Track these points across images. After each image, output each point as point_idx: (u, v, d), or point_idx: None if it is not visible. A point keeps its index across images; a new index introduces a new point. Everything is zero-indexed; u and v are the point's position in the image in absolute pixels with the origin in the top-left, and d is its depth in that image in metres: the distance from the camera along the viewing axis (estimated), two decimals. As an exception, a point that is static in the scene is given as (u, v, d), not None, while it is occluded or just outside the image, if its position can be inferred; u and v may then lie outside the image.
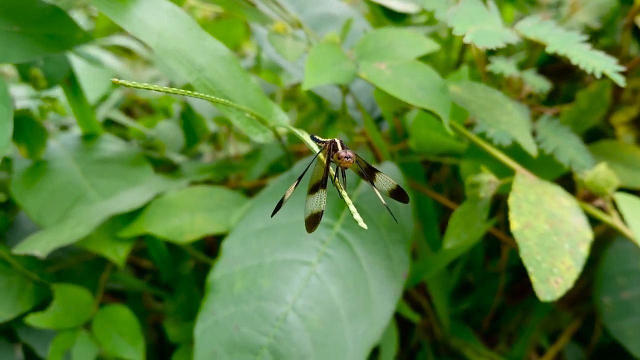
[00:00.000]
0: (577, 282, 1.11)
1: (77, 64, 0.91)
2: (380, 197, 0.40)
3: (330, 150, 0.40)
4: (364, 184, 0.68)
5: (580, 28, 0.68)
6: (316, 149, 0.42)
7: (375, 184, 0.42)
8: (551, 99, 0.86)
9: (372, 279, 0.60)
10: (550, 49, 0.46)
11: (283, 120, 0.57)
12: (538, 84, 0.66)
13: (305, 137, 0.43)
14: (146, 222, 0.69)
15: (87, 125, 0.81)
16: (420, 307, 1.04)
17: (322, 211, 0.39)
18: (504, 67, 0.66)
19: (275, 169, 0.89)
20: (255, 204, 0.63)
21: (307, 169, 0.41)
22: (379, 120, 0.81)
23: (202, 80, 0.51)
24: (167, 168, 0.88)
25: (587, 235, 0.50)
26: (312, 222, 0.39)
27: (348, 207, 0.37)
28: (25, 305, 0.68)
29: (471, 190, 0.60)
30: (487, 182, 0.59)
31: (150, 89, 0.31)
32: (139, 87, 0.30)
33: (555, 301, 1.07)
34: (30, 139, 0.74)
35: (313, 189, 0.40)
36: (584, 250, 0.49)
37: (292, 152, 0.88)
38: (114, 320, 0.70)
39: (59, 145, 0.79)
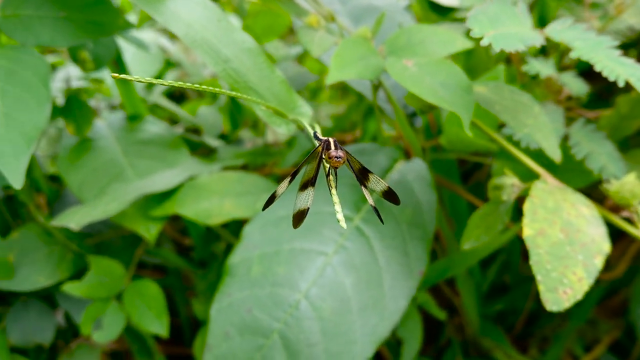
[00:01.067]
0: (619, 293, 1.07)
1: (129, 48, 0.95)
2: (369, 198, 0.41)
3: (324, 149, 0.40)
4: (390, 178, 0.68)
5: (627, 30, 0.66)
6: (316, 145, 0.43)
7: (368, 184, 0.42)
8: (598, 102, 0.83)
9: (386, 274, 0.61)
10: (574, 54, 0.45)
11: (307, 112, 0.58)
12: (575, 86, 0.64)
13: (318, 133, 0.44)
14: (177, 203, 0.72)
15: (133, 106, 0.85)
16: (452, 304, 1.03)
17: (308, 208, 0.40)
18: (541, 67, 0.64)
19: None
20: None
21: (300, 166, 0.41)
22: (413, 115, 0.81)
23: (228, 70, 0.53)
24: (205, 152, 0.91)
25: (604, 247, 0.49)
26: (298, 218, 0.40)
27: (335, 205, 0.38)
28: (63, 273, 0.72)
29: (494, 192, 0.59)
30: (510, 185, 0.58)
31: (154, 83, 0.33)
32: (142, 82, 0.32)
33: (595, 310, 1.04)
34: (78, 118, 0.78)
35: (303, 186, 0.41)
36: (598, 262, 0.48)
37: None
38: (143, 294, 0.73)
39: (105, 125, 0.83)
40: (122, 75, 0.30)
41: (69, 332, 0.85)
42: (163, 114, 1.07)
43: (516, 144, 0.61)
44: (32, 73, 0.55)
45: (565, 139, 0.62)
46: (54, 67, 0.94)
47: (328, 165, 0.41)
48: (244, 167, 0.89)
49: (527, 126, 0.53)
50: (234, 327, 0.57)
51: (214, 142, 0.87)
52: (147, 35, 1.07)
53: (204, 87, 0.37)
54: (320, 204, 0.63)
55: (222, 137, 0.99)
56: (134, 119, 0.85)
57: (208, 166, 0.79)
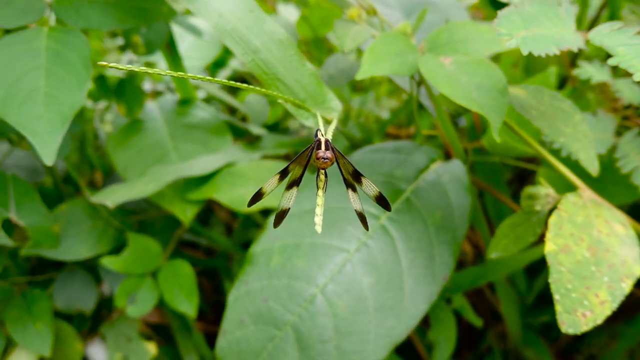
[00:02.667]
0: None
1: (188, 34, 0.97)
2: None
3: (313, 148, 0.39)
4: (424, 179, 0.66)
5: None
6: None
7: (362, 188, 0.41)
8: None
9: (408, 277, 0.59)
10: (612, 61, 0.42)
11: (336, 107, 0.57)
12: (629, 94, 0.59)
13: (321, 132, 0.44)
14: (214, 189, 0.73)
15: (184, 91, 0.88)
16: (495, 311, 1.00)
17: (289, 209, 0.39)
18: (594, 72, 0.60)
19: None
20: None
21: (289, 164, 0.41)
22: (458, 114, 0.78)
23: (257, 61, 0.53)
24: (251, 139, 0.92)
25: (635, 270, 0.45)
26: (279, 217, 0.39)
27: (317, 208, 0.37)
28: (103, 247, 0.76)
29: (527, 202, 0.56)
30: (544, 195, 0.55)
31: (139, 72, 0.34)
32: (136, 71, 0.32)
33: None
34: (129, 100, 0.81)
35: (289, 186, 0.40)
36: (626, 286, 0.44)
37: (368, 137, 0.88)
38: (177, 274, 0.76)
39: (157, 108, 0.86)
40: (112, 65, 0.30)
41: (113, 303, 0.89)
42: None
43: (558, 152, 0.58)
44: (76, 55, 0.58)
45: (613, 150, 0.58)
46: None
47: (305, 166, 0.40)
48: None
49: (564, 135, 0.50)
50: (249, 316, 0.58)
51: (258, 130, 0.88)
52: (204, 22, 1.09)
53: (224, 80, 0.37)
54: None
55: (272, 126, 1.00)
56: (184, 103, 0.87)
57: (248, 154, 0.80)
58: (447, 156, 0.73)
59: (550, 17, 0.46)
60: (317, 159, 0.38)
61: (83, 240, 0.75)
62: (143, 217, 0.84)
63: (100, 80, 0.80)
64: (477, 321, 0.86)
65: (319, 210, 0.38)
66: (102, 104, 0.87)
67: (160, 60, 0.89)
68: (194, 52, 0.99)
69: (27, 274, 0.84)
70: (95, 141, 0.94)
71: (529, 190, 0.55)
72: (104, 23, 0.62)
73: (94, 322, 0.92)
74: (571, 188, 0.55)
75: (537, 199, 0.55)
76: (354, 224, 0.61)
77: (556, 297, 0.44)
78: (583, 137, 0.50)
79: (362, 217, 0.40)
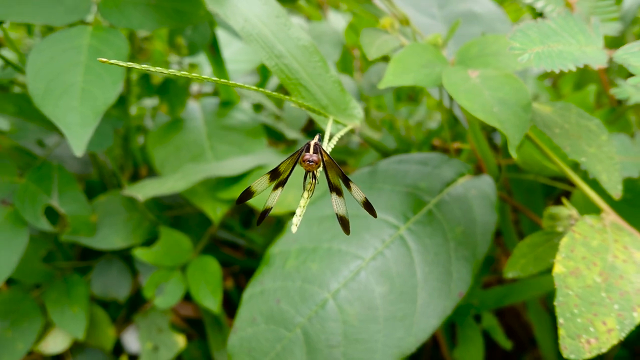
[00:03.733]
0: None
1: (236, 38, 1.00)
2: (336, 206, 0.40)
3: (302, 151, 0.40)
4: (449, 192, 0.65)
5: None
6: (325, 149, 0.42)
7: (351, 193, 0.41)
8: None
9: (422, 290, 0.59)
10: (632, 81, 0.40)
11: (358, 115, 0.58)
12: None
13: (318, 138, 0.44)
14: (242, 189, 0.75)
15: (226, 93, 0.90)
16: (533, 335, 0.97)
17: (271, 208, 0.40)
18: (633, 92, 0.58)
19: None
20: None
21: (280, 164, 0.41)
22: (493, 129, 0.76)
23: (280, 66, 0.54)
24: (287, 143, 0.93)
25: (650, 300, 0.43)
26: (262, 215, 0.40)
27: (297, 209, 0.38)
28: (137, 238, 0.79)
29: (548, 222, 0.54)
30: (566, 216, 0.53)
31: (151, 71, 0.35)
32: (149, 71, 0.34)
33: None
34: (172, 99, 0.85)
35: (276, 186, 0.41)
36: (638, 315, 0.42)
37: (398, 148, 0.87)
38: (204, 270, 0.78)
39: (199, 108, 0.89)
40: (113, 61, 0.32)
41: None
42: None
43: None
44: (114, 53, 0.61)
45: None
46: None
47: (291, 168, 0.40)
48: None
49: (587, 155, 0.48)
50: (261, 315, 0.59)
51: (293, 135, 0.89)
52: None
53: (239, 84, 0.38)
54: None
55: (311, 131, 1.01)
56: (225, 105, 0.90)
57: (281, 157, 0.81)
58: (478, 171, 0.71)
59: (573, 33, 0.44)
60: (303, 161, 0.38)
61: (118, 230, 0.78)
62: (179, 213, 0.87)
63: (144, 79, 0.84)
64: (506, 343, 0.84)
65: (298, 211, 0.38)
66: (151, 102, 0.91)
67: (204, 63, 0.92)
68: (241, 55, 1.02)
69: (72, 260, 0.89)
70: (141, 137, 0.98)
71: (551, 210, 0.54)
72: (145, 24, 0.65)
73: (130, 310, 0.95)
74: (597, 210, 0.53)
75: (559, 220, 0.53)
76: (371, 231, 0.61)
77: (560, 320, 0.42)
78: (607, 158, 0.48)
79: (343, 221, 0.40)
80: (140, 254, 0.76)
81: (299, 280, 0.59)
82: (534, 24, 0.44)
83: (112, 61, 0.31)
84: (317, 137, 0.42)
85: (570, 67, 0.41)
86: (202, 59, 0.91)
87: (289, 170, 0.41)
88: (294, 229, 0.37)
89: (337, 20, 1.11)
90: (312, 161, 0.38)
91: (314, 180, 0.40)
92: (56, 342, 0.84)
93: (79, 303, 0.82)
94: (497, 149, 0.80)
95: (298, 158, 0.40)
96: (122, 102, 0.86)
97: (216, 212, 0.75)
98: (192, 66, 0.88)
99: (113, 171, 0.87)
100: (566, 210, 0.53)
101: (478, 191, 0.66)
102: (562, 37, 0.43)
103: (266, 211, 0.40)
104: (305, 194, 0.40)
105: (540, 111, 0.53)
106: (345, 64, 1.13)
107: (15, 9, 0.60)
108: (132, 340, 0.94)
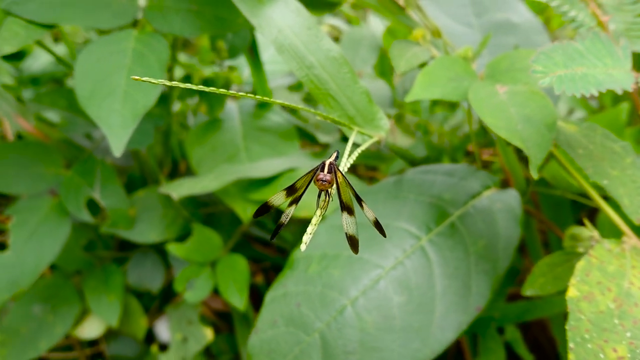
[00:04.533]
0: None
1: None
2: (346, 226, 0.41)
3: (317, 170, 0.41)
4: (474, 205, 0.66)
5: None
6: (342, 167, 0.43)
7: (363, 212, 0.42)
8: None
9: (440, 302, 0.59)
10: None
11: (384, 126, 0.59)
12: None
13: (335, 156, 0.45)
14: (273, 191, 0.77)
15: (263, 94, 0.92)
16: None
17: (283, 224, 0.41)
18: (668, 113, 0.57)
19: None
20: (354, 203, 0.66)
21: (296, 181, 0.43)
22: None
23: (310, 76, 0.56)
24: (322, 146, 0.95)
25: (666, 330, 0.42)
26: (275, 231, 0.41)
27: (309, 227, 0.39)
28: (171, 234, 0.82)
29: (569, 242, 0.54)
30: (587, 237, 0.53)
31: (180, 86, 0.37)
32: (165, 84, 0.36)
33: None
34: (211, 100, 0.87)
35: (291, 203, 0.42)
36: (650, 344, 0.42)
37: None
38: (233, 268, 0.80)
39: (236, 109, 0.91)
40: (142, 79, 0.34)
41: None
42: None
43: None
44: (155, 57, 0.64)
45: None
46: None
47: (306, 187, 0.42)
48: (353, 167, 0.91)
49: (609, 177, 0.48)
50: (282, 318, 0.61)
51: (326, 139, 0.91)
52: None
53: (249, 95, 0.40)
54: (389, 218, 0.64)
55: (346, 137, 1.02)
56: (262, 106, 0.92)
57: (312, 160, 0.83)
58: (505, 184, 0.71)
59: (600, 56, 0.44)
60: (317, 180, 0.40)
61: (154, 225, 0.82)
62: (212, 210, 0.90)
63: (186, 80, 0.87)
64: (528, 356, 0.83)
65: (310, 229, 0.39)
66: (192, 100, 0.94)
67: (244, 64, 0.95)
68: (279, 57, 1.04)
69: (111, 250, 0.93)
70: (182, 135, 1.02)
71: (572, 230, 0.53)
72: (186, 29, 0.68)
73: (163, 301, 0.99)
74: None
75: (580, 241, 0.53)
76: (394, 242, 0.62)
77: (570, 345, 0.42)
78: (630, 181, 0.48)
79: (352, 241, 0.41)
80: (173, 248, 0.79)
81: (320, 285, 0.61)
82: (560, 46, 0.44)
83: (144, 79, 0.33)
84: (334, 155, 0.43)
85: (592, 92, 0.41)
86: (242, 61, 0.93)
87: (304, 188, 0.42)
88: (303, 247, 0.38)
89: (377, 24, 1.12)
90: (325, 181, 0.40)
91: (328, 198, 0.42)
92: (92, 328, 0.88)
93: (115, 292, 0.86)
94: (527, 161, 0.79)
95: (313, 176, 0.41)
96: (164, 100, 0.90)
97: (246, 212, 0.78)
98: (232, 68, 0.90)
99: (154, 167, 0.91)
100: (587, 231, 0.52)
101: (503, 204, 0.66)
102: (587, 60, 0.43)
103: (280, 226, 0.42)
104: (318, 212, 0.41)
105: (565, 130, 0.52)
106: (383, 68, 1.13)
107: (65, 13, 0.64)
108: (163, 330, 0.97)
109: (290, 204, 0.42)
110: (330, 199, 0.42)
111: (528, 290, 0.55)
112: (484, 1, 0.86)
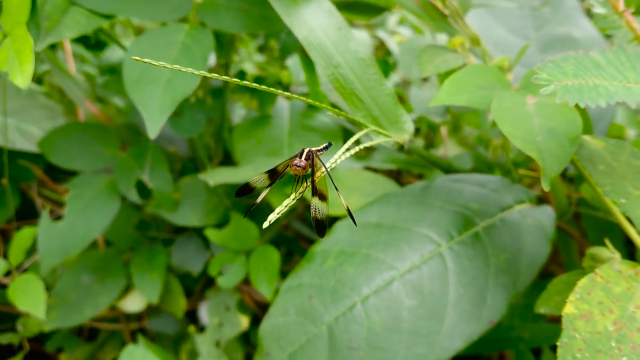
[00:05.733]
0: None
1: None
2: (316, 210, 0.42)
3: (296, 156, 0.42)
4: (502, 217, 0.64)
5: None
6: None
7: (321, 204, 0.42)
8: None
9: (452, 310, 0.59)
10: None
11: (408, 129, 0.59)
12: None
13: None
14: (309, 188, 0.78)
15: (315, 94, 0.94)
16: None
17: (255, 204, 0.43)
18: None
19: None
20: (380, 199, 0.66)
21: (278, 165, 0.44)
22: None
23: (336, 75, 0.57)
24: (368, 150, 0.95)
25: (667, 360, 0.40)
26: (248, 210, 0.42)
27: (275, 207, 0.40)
28: (210, 220, 0.86)
29: (588, 262, 0.52)
30: (607, 257, 0.50)
31: (215, 77, 0.40)
32: (213, 77, 0.39)
33: None
34: (262, 96, 0.91)
35: (269, 185, 0.43)
36: (647, 373, 0.39)
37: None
38: (266, 258, 0.83)
39: (287, 107, 0.94)
40: (145, 60, 0.37)
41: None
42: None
43: None
44: (200, 51, 0.68)
45: None
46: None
47: (281, 173, 0.43)
48: (391, 173, 0.91)
49: (628, 197, 0.46)
50: (294, 307, 0.62)
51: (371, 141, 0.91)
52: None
53: (281, 91, 0.42)
54: (411, 222, 0.64)
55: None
56: (313, 107, 0.94)
57: (353, 162, 0.84)
58: (541, 200, 0.69)
59: (623, 69, 0.42)
60: (292, 165, 0.41)
61: (196, 210, 0.86)
62: (253, 202, 0.93)
63: (240, 75, 0.90)
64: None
65: (278, 209, 0.41)
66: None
67: (296, 64, 0.97)
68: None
69: (159, 231, 0.99)
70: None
71: (592, 250, 0.51)
72: (233, 26, 0.71)
73: (206, 285, 1.04)
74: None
75: (599, 261, 0.51)
76: (411, 245, 0.62)
77: (560, 363, 0.41)
78: (651, 203, 0.45)
79: (319, 224, 0.42)
80: (211, 234, 0.83)
81: (334, 280, 0.62)
82: (573, 56, 0.42)
83: (187, 69, 0.36)
84: (323, 145, 0.45)
85: (601, 104, 0.39)
86: (294, 61, 0.96)
87: (283, 172, 0.44)
88: (265, 224, 0.40)
89: (443, 36, 1.11)
90: (299, 166, 0.41)
91: (304, 183, 0.43)
92: (134, 302, 0.93)
93: (158, 270, 0.91)
94: (573, 180, 0.76)
95: (287, 165, 0.43)
96: (219, 93, 0.94)
97: (283, 205, 0.80)
98: (284, 67, 0.93)
99: (203, 156, 0.95)
100: (608, 252, 0.50)
101: (534, 221, 0.64)
102: (605, 72, 0.42)
103: (252, 206, 0.44)
104: (292, 195, 0.43)
105: (590, 145, 0.50)
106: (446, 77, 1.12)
107: (124, 5, 0.69)
108: (204, 314, 1.02)
109: (268, 186, 0.44)
110: (307, 184, 0.43)
111: (541, 308, 0.53)
112: (545, 14, 0.84)
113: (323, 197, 0.43)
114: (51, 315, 0.87)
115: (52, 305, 0.87)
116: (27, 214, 1.04)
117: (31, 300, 0.79)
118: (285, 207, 0.42)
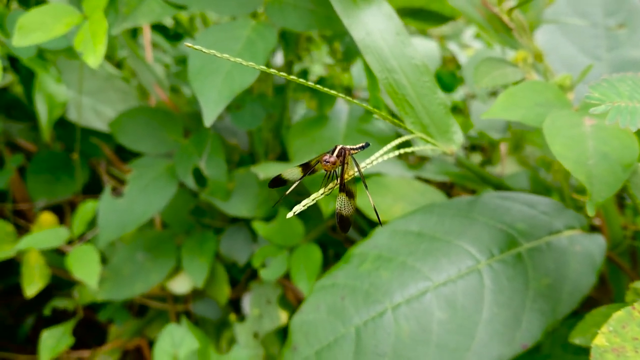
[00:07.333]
0: None
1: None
2: (342, 206, 0.41)
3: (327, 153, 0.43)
4: (548, 240, 0.62)
5: None
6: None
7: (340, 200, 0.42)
8: None
9: (484, 329, 0.57)
10: None
11: (457, 140, 0.58)
12: None
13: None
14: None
15: (374, 99, 0.95)
16: None
17: (283, 196, 0.43)
18: None
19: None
20: (424, 208, 0.66)
21: (311, 160, 0.44)
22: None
23: (390, 80, 0.58)
24: (421, 158, 0.95)
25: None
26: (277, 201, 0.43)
27: (308, 199, 0.40)
28: (259, 213, 0.88)
29: (631, 296, 0.50)
30: (651, 294, 0.48)
31: (271, 72, 0.41)
32: (269, 71, 0.40)
33: None
34: (322, 97, 0.92)
35: (302, 177, 0.44)
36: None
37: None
38: (307, 256, 0.84)
39: (346, 110, 0.95)
40: (197, 47, 0.39)
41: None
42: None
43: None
44: (263, 46, 0.70)
45: None
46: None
47: (310, 170, 0.44)
48: (451, 186, 0.90)
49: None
50: (325, 305, 0.63)
51: (423, 152, 0.90)
52: (422, 42, 1.13)
53: (318, 86, 0.43)
54: (452, 235, 0.63)
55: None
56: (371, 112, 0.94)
57: (404, 170, 0.83)
58: (594, 229, 0.66)
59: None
60: (322, 161, 0.42)
61: (247, 202, 0.88)
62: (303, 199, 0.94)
63: (302, 75, 0.92)
64: None
65: (305, 201, 0.41)
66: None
67: (361, 69, 0.98)
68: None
69: (213, 219, 1.02)
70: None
71: (636, 284, 0.49)
72: (298, 25, 0.73)
73: (251, 276, 1.06)
74: None
75: (644, 297, 0.48)
76: (450, 258, 0.61)
77: (583, 395, 0.39)
78: None
79: (342, 220, 0.42)
80: (257, 226, 0.85)
81: (368, 283, 0.62)
82: (631, 77, 0.41)
83: (248, 63, 0.38)
84: (360, 145, 0.45)
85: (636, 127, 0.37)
86: (359, 65, 0.97)
87: (314, 166, 0.45)
88: (290, 214, 0.40)
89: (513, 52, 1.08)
90: (328, 162, 0.42)
91: (329, 180, 0.44)
92: (182, 284, 0.97)
93: (206, 256, 0.94)
94: (637, 212, 0.72)
95: (316, 162, 0.44)
96: (281, 90, 0.96)
97: (328, 206, 0.81)
98: (346, 70, 0.94)
99: (260, 150, 0.97)
100: (653, 288, 0.47)
101: (583, 249, 0.61)
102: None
103: (281, 198, 0.45)
104: (321, 190, 0.43)
105: (647, 174, 0.48)
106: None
107: (196, -2, 0.72)
108: (247, 304, 1.04)
109: (301, 178, 0.45)
110: (337, 181, 0.44)
111: (577, 339, 0.51)
112: (621, 36, 0.80)
113: (351, 195, 0.43)
114: (104, 287, 0.92)
115: (106, 277, 0.92)
116: (94, 189, 1.10)
117: (86, 270, 0.84)
118: (313, 200, 0.43)
